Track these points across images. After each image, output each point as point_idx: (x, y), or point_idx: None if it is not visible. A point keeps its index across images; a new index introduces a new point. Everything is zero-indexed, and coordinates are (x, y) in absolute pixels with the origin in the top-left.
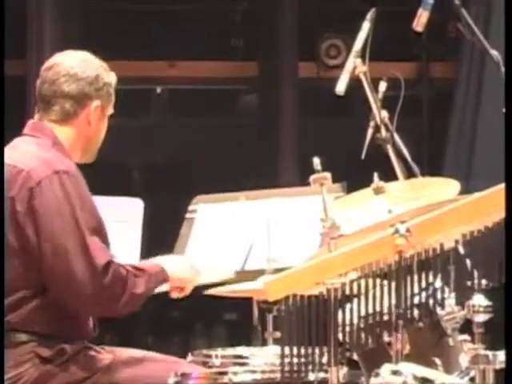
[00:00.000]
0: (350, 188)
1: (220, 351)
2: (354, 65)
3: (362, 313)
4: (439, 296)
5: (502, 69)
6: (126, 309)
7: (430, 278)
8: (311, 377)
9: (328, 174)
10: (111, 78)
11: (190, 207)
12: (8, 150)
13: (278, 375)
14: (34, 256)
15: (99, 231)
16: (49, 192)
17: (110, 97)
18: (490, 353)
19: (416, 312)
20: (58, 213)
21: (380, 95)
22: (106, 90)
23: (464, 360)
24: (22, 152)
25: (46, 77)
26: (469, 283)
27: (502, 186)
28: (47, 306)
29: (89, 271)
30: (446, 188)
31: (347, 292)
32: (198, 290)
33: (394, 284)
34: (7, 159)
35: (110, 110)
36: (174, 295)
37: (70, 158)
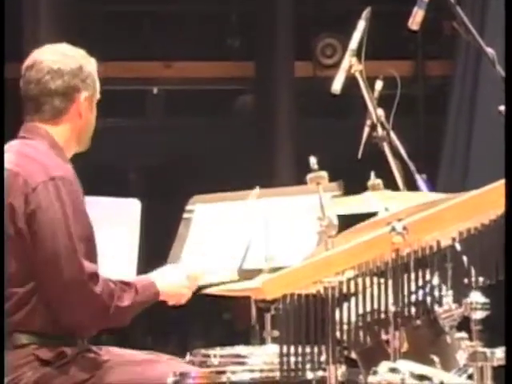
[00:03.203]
0: (347, 187)
1: (218, 351)
2: (350, 64)
3: (360, 311)
4: (436, 294)
5: (497, 66)
6: (114, 322)
7: (427, 276)
8: (310, 375)
9: (324, 173)
10: (93, 64)
11: (187, 207)
12: (5, 153)
13: (276, 374)
14: (31, 261)
15: (89, 240)
16: (44, 198)
17: (95, 84)
18: (487, 350)
19: (413, 310)
20: (52, 220)
21: (376, 94)
22: (91, 79)
23: (462, 357)
24: (19, 155)
25: (30, 76)
26: (466, 281)
27: (498, 183)
28: (46, 306)
29: (79, 277)
30: None
31: (345, 290)
32: (196, 289)
33: (391, 282)
34: (5, 163)
35: (97, 97)
36: (171, 303)
37: (67, 159)
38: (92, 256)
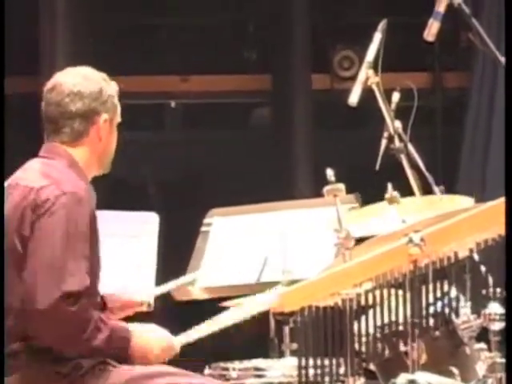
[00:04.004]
0: (364, 199)
1: (237, 364)
2: (367, 76)
3: (378, 323)
4: (455, 305)
5: None
6: (87, 345)
7: (445, 287)
8: None
9: (341, 185)
10: (113, 88)
11: (205, 220)
12: (21, 172)
13: None
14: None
15: (88, 259)
16: (50, 211)
17: (115, 107)
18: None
19: (432, 321)
20: (52, 232)
21: (393, 106)
22: (111, 102)
23: (481, 368)
24: (35, 172)
25: (51, 98)
26: (484, 291)
27: None
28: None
29: (53, 293)
30: (460, 205)
31: (363, 302)
32: (215, 302)
33: (409, 293)
34: (20, 180)
35: (118, 119)
36: (138, 362)
37: (85, 178)
38: (85, 274)
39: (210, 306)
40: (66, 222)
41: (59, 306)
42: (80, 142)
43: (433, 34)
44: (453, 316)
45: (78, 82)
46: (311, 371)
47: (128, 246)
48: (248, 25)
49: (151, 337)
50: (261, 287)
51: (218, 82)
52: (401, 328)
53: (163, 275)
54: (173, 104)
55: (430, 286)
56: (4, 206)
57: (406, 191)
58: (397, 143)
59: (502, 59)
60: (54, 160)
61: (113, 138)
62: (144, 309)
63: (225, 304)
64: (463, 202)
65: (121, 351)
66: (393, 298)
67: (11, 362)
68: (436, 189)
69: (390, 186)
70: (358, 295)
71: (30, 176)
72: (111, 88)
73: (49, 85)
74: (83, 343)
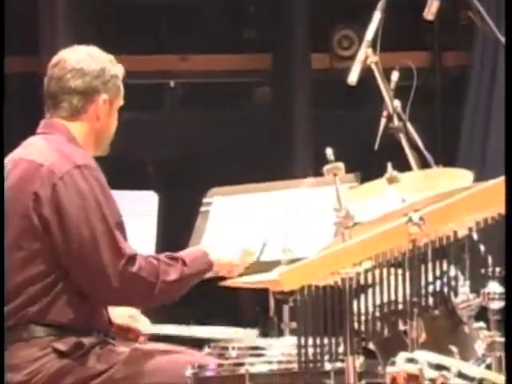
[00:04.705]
0: (364, 178)
1: (236, 343)
2: (366, 55)
3: (377, 302)
4: (454, 284)
5: None
6: (162, 298)
7: (445, 266)
8: (328, 366)
9: (341, 164)
10: (118, 70)
11: (205, 200)
12: (23, 148)
13: (294, 365)
14: (57, 250)
15: (121, 226)
16: (72, 187)
17: (117, 89)
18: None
19: (431, 300)
20: (84, 207)
21: (392, 85)
22: (113, 83)
23: (480, 347)
24: (39, 147)
25: (53, 74)
26: (483, 270)
27: None
28: (65, 298)
29: (117, 260)
30: (459, 178)
31: (362, 281)
32: (213, 281)
33: (408, 273)
34: (23, 155)
35: (120, 103)
36: (222, 274)
37: (86, 152)
38: (126, 239)
39: (209, 286)
40: (91, 194)
41: (126, 276)
42: (78, 118)
43: (432, 13)
44: (452, 295)
45: (82, 59)
46: (310, 350)
47: (127, 225)
48: (248, 4)
49: (226, 245)
50: (261, 266)
51: (217, 61)
52: (400, 307)
53: None
54: (172, 83)
55: (430, 265)
56: (4, 206)
57: (406, 170)
58: (396, 122)
59: (502, 38)
60: (54, 135)
61: (112, 119)
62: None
63: (224, 283)
64: (461, 174)
65: (207, 266)
66: (392, 277)
67: (12, 337)
68: (435, 168)
69: (389, 165)
70: (358, 274)
71: (34, 151)
72: (116, 70)
73: (54, 60)
74: (162, 287)
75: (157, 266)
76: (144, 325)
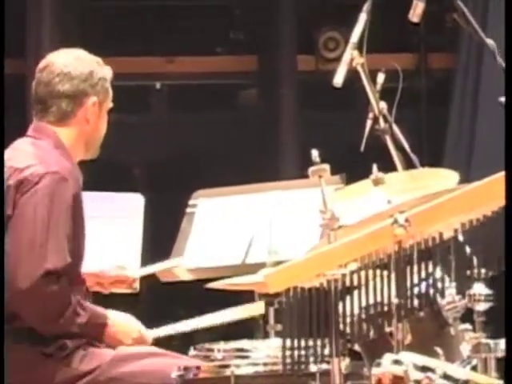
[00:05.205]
0: (350, 180)
1: (222, 345)
2: (352, 57)
3: (363, 304)
4: (439, 285)
5: (498, 57)
6: (64, 327)
7: (430, 268)
8: (313, 368)
9: (327, 166)
10: (106, 72)
11: (190, 202)
12: (10, 151)
13: (280, 367)
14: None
15: (70, 238)
16: (34, 189)
17: (106, 92)
18: (491, 341)
19: (416, 302)
20: (33, 211)
21: (378, 87)
22: (101, 85)
23: (465, 349)
24: (22, 152)
25: (41, 77)
26: (469, 272)
27: (500, 174)
28: None
29: (35, 271)
30: (445, 179)
31: (348, 283)
32: (200, 283)
33: (394, 274)
34: (8, 161)
35: (109, 105)
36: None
37: (71, 159)
38: (73, 255)
39: (196, 288)
40: (49, 201)
41: (41, 285)
42: (67, 122)
43: (418, 15)
44: (437, 297)
45: (69, 62)
46: (296, 352)
47: (113, 228)
48: (234, 6)
49: (126, 327)
50: (246, 268)
51: (203, 63)
52: (386, 309)
53: (148, 256)
54: (158, 85)
55: (415, 267)
56: (3, 206)
57: (391, 172)
58: (382, 124)
59: (488, 40)
60: (42, 140)
61: (102, 122)
62: (129, 290)
63: (210, 285)
64: (447, 174)
65: (96, 336)
66: (378, 279)
67: None
68: (421, 170)
69: (375, 166)
70: (344, 276)
71: (17, 156)
72: (103, 72)
73: (41, 64)
74: (60, 326)
75: (73, 304)
76: (133, 270)
